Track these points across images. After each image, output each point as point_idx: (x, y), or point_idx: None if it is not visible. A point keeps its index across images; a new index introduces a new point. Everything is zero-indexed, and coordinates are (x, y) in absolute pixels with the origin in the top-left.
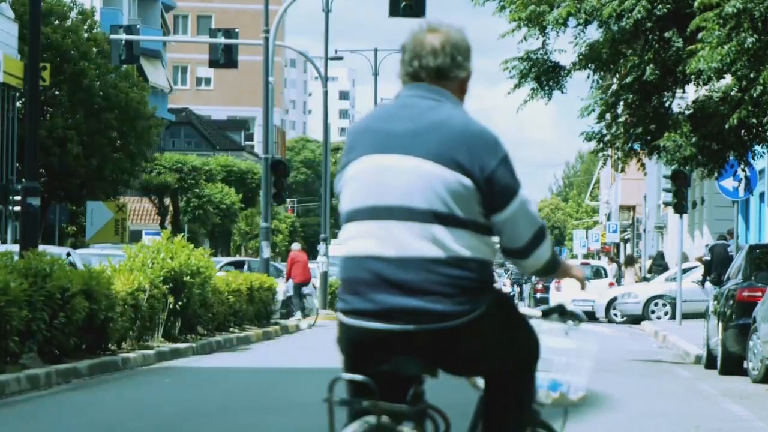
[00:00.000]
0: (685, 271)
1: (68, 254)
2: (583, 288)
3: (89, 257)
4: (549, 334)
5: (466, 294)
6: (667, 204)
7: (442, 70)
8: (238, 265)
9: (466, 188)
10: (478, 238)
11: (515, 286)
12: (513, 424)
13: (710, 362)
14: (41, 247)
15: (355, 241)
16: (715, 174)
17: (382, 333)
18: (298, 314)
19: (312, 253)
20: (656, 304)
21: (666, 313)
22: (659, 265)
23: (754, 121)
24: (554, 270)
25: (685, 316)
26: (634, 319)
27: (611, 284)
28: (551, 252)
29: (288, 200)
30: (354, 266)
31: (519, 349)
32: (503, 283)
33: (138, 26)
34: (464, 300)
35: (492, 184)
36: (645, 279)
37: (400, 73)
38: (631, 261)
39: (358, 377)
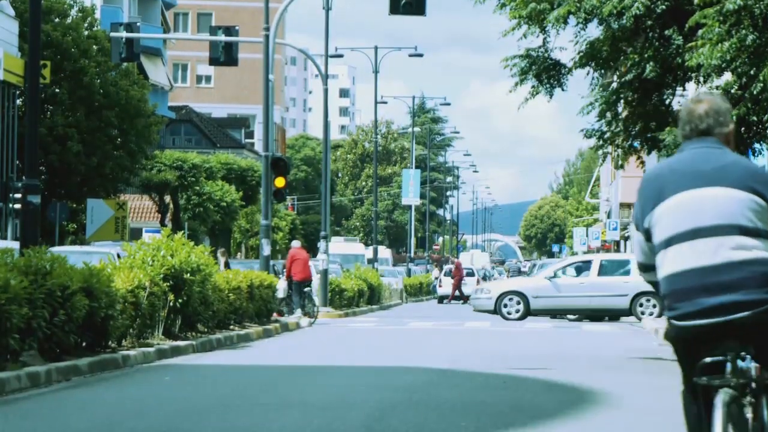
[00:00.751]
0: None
1: None
2: None
3: (68, 255)
4: None
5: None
6: None
7: (708, 130)
8: None
9: (761, 206)
10: None
11: None
12: None
13: None
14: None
15: (678, 259)
16: None
17: (705, 327)
18: (298, 312)
19: (312, 251)
20: (510, 299)
21: (518, 311)
22: None
23: (755, 118)
24: None
25: (535, 312)
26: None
27: None
28: None
29: (288, 198)
30: (679, 280)
31: None
32: (503, 279)
33: (138, 24)
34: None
35: None
36: None
37: (678, 134)
38: None
39: (719, 358)
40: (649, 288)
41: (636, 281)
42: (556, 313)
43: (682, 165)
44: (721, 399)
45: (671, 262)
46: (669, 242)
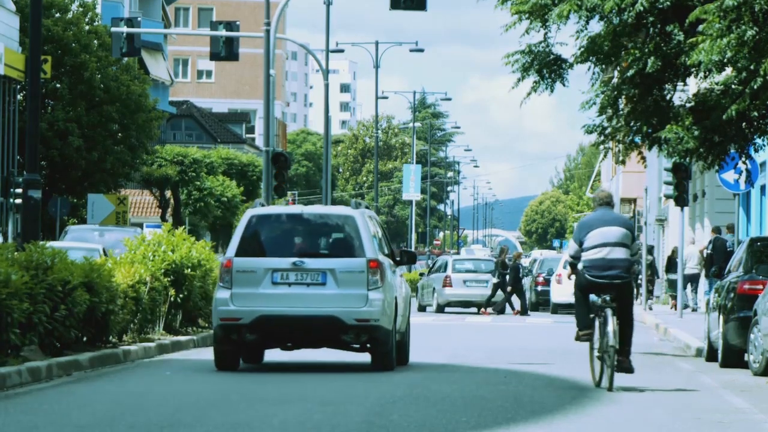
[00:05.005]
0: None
1: None
2: None
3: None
4: None
5: (629, 272)
6: (668, 197)
7: (610, 203)
8: None
9: (627, 236)
10: (629, 252)
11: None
12: (631, 320)
13: (711, 355)
14: None
15: (597, 254)
16: (716, 166)
17: (603, 283)
18: None
19: None
20: None
21: None
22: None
23: (755, 113)
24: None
25: None
26: None
27: None
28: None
29: (289, 193)
30: (596, 262)
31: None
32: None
33: (139, 19)
34: (628, 275)
35: (632, 235)
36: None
37: (596, 202)
38: None
39: (605, 297)
40: None
41: None
42: None
43: (599, 216)
44: (609, 313)
45: (593, 255)
46: (592, 246)
